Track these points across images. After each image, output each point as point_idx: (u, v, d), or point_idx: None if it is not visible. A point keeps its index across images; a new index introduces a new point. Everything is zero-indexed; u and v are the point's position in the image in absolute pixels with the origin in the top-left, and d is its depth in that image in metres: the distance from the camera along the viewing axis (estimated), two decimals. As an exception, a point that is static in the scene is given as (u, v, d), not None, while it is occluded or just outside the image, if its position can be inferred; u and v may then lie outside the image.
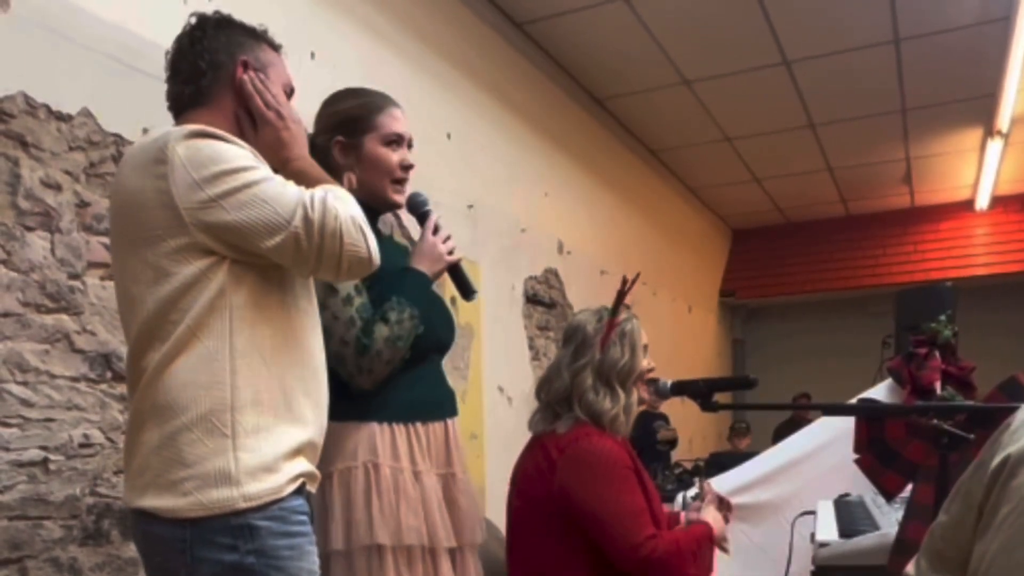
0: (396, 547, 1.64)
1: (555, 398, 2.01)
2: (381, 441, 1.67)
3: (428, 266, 1.77)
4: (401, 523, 1.64)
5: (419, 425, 1.74)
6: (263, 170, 1.33)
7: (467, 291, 1.86)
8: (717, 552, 2.03)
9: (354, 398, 1.67)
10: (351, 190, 1.74)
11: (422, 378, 1.77)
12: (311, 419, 1.42)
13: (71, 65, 1.92)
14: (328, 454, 1.61)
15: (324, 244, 1.30)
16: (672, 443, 5.04)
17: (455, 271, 1.86)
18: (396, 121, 1.79)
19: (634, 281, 2.09)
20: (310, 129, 1.68)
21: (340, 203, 1.33)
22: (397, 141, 1.78)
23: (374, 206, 1.81)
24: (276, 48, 1.54)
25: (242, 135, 1.42)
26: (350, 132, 1.76)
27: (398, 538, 1.64)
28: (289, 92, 1.54)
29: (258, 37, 1.50)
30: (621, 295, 2.07)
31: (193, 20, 1.48)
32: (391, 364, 1.67)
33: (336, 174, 1.74)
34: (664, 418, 5.09)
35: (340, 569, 1.63)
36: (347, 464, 1.65)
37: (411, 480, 1.69)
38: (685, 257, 6.85)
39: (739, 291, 7.99)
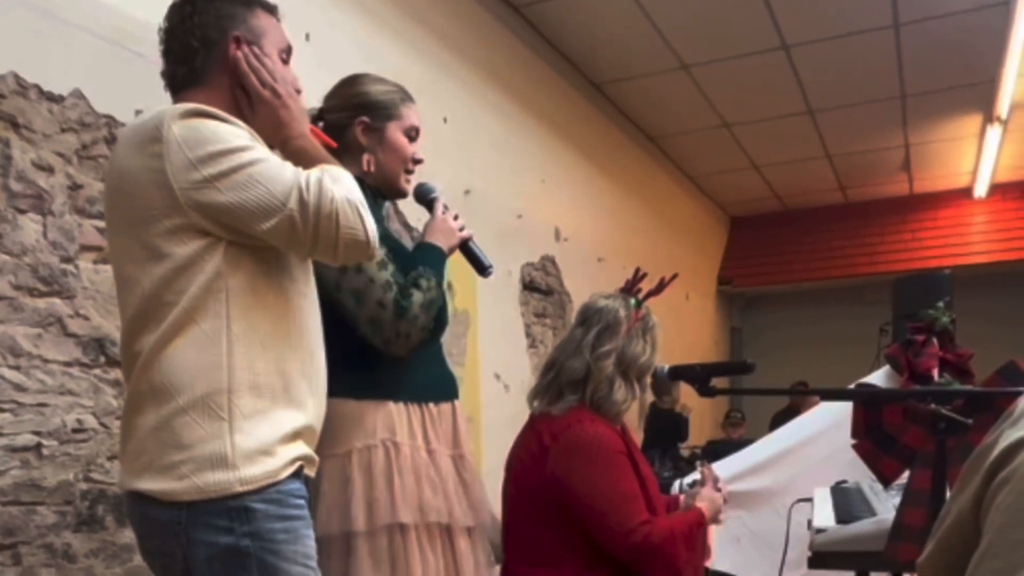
0: (418, 524, 1.65)
1: (568, 378, 1.98)
2: (399, 420, 1.69)
3: (443, 241, 1.81)
4: (423, 501, 1.66)
5: (431, 405, 1.76)
6: (259, 150, 1.31)
7: (481, 267, 1.88)
8: (714, 539, 2.03)
9: (371, 374, 1.68)
10: (367, 172, 1.78)
11: (431, 359, 1.80)
12: (310, 404, 1.41)
13: (63, 45, 1.89)
14: (346, 432, 1.63)
15: (320, 226, 1.29)
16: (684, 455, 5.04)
17: (467, 249, 1.88)
18: (415, 115, 1.86)
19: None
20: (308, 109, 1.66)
21: (337, 184, 1.31)
22: (414, 136, 1.85)
23: (384, 191, 1.85)
24: (271, 9, 1.49)
25: (240, 113, 1.40)
26: (376, 116, 1.79)
27: (420, 516, 1.66)
28: (286, 54, 1.50)
29: (250, 3, 1.46)
30: (656, 289, 2.07)
31: None
32: (424, 331, 1.70)
33: (353, 153, 1.77)
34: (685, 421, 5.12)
35: (363, 549, 1.62)
36: (366, 442, 1.65)
37: (427, 459, 1.71)
38: (683, 244, 6.83)
39: (737, 279, 7.98)
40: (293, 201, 1.28)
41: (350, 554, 1.62)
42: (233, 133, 1.30)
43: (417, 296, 1.66)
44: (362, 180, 1.76)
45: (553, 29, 4.23)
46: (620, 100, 5.16)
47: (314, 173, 1.31)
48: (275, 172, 1.30)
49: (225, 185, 1.26)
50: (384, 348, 1.66)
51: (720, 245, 8.08)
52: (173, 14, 1.43)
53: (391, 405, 1.69)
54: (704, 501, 2.03)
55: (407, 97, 1.85)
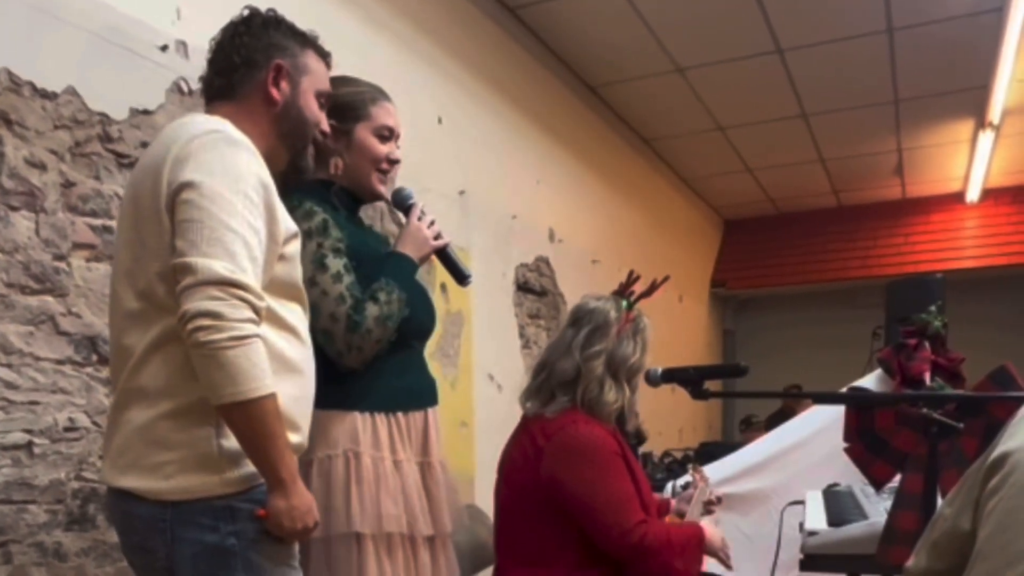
0: (376, 535, 1.65)
1: (559, 379, 1.99)
2: (363, 430, 1.69)
3: (413, 250, 1.79)
4: (381, 512, 1.66)
5: (400, 414, 1.75)
6: (244, 215, 1.28)
7: (460, 276, 1.88)
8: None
9: (338, 384, 1.66)
10: (336, 174, 1.78)
11: (404, 366, 1.78)
12: (302, 424, 1.43)
13: (57, 42, 1.88)
14: (310, 441, 1.61)
15: (187, 323, 1.21)
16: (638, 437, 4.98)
17: (444, 257, 1.87)
18: (388, 115, 1.82)
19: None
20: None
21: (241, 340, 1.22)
22: (387, 135, 1.81)
23: (358, 194, 1.84)
24: (323, 55, 1.56)
25: (263, 136, 1.44)
26: (342, 118, 1.77)
27: (378, 526, 1.65)
28: (324, 100, 1.56)
29: (305, 42, 1.52)
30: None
31: (245, 13, 1.49)
32: (379, 344, 1.68)
33: (324, 156, 1.77)
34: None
35: (318, 556, 1.64)
36: (327, 452, 1.66)
37: (391, 469, 1.70)
38: (676, 247, 6.84)
39: (730, 282, 7.99)
40: (205, 273, 1.21)
41: (307, 562, 1.62)
42: (242, 181, 1.29)
43: (372, 310, 1.65)
44: (331, 184, 1.78)
45: (548, 31, 4.23)
46: (615, 102, 5.16)
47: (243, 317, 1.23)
48: (231, 246, 1.24)
49: (192, 200, 1.26)
50: (337, 360, 1.66)
51: (714, 248, 8.09)
52: (227, 29, 1.48)
53: (356, 415, 1.69)
54: (710, 525, 2.03)
55: (379, 97, 1.82)
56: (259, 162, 1.35)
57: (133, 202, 1.36)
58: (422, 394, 1.82)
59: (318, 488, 1.64)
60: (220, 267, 1.22)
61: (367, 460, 1.67)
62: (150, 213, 1.30)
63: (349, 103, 1.78)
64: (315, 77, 1.53)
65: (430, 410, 1.82)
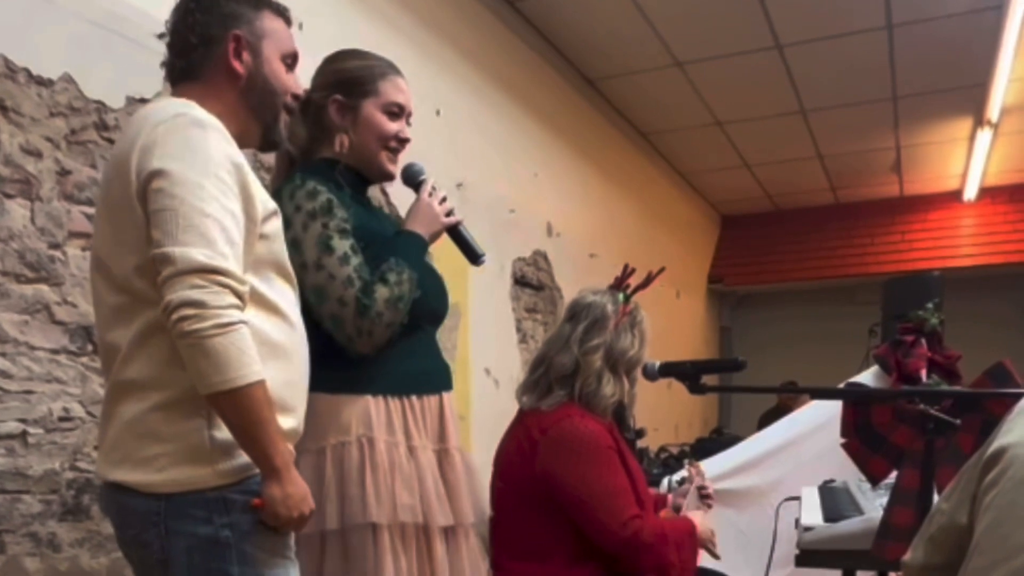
0: (391, 525, 1.60)
1: (557, 373, 1.98)
2: (376, 414, 1.63)
3: (424, 228, 1.73)
4: (396, 501, 1.60)
5: (414, 398, 1.68)
6: (219, 199, 1.25)
7: (473, 255, 1.80)
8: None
9: (347, 368, 1.62)
10: (342, 151, 1.72)
11: (416, 349, 1.72)
12: (295, 408, 1.41)
13: (53, 29, 1.87)
14: (322, 427, 1.58)
15: (170, 315, 1.19)
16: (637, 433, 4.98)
17: (457, 235, 1.80)
18: (399, 91, 1.75)
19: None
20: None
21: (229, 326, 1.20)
22: (397, 112, 1.74)
23: (365, 173, 1.77)
24: (281, 12, 1.49)
25: (232, 114, 1.40)
26: (349, 92, 1.71)
27: (393, 516, 1.60)
28: (291, 59, 1.50)
29: (258, 4, 1.45)
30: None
31: None
32: (391, 328, 1.62)
33: (329, 133, 1.71)
34: None
35: (335, 549, 1.59)
36: (341, 439, 1.60)
37: (406, 455, 1.65)
38: (674, 242, 6.83)
39: (727, 278, 7.99)
40: (184, 262, 1.20)
41: (323, 553, 1.59)
42: (212, 164, 1.26)
43: (382, 292, 1.58)
44: (337, 162, 1.72)
45: (547, 24, 4.22)
46: (613, 96, 5.15)
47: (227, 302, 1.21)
48: (209, 232, 1.22)
49: (163, 188, 1.23)
50: (347, 346, 1.60)
51: (711, 243, 8.09)
52: (179, 8, 1.43)
53: (369, 399, 1.63)
54: (697, 516, 2.03)
55: (390, 71, 1.74)
56: (229, 142, 1.32)
57: (105, 195, 1.34)
58: (436, 378, 1.76)
59: (332, 477, 1.59)
60: (199, 255, 1.20)
61: (381, 446, 1.61)
62: (122, 205, 1.27)
63: (357, 77, 1.71)
64: (276, 39, 1.46)
65: (445, 395, 1.75)
